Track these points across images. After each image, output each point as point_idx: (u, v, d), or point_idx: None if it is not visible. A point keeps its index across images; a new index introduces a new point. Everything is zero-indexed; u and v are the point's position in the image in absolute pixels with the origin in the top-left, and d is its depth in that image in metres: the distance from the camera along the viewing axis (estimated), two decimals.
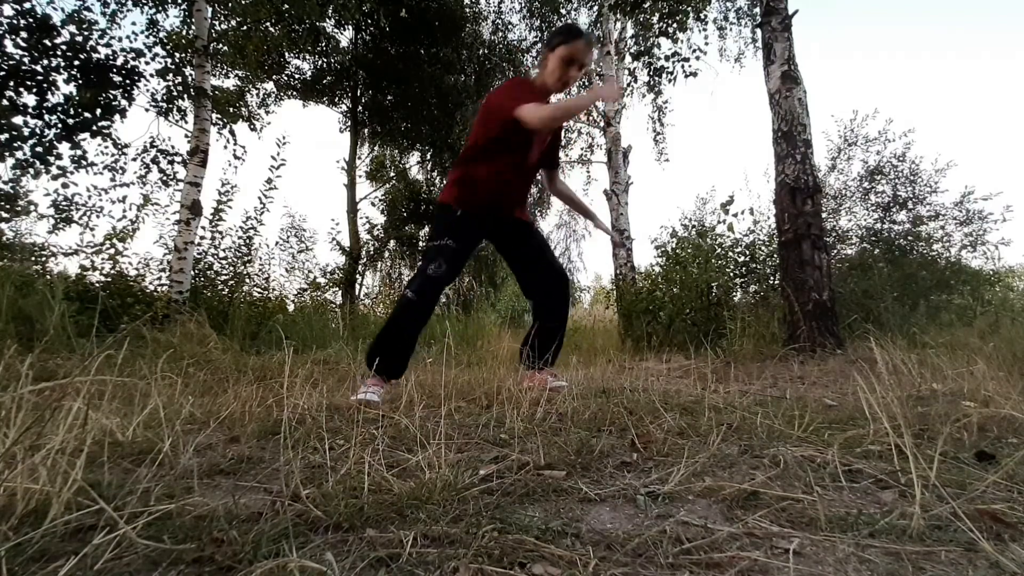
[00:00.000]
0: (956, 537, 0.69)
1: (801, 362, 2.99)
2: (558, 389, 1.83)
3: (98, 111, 4.70)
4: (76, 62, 4.52)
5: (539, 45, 9.15)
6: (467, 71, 8.90)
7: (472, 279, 11.08)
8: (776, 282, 4.61)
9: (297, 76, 8.75)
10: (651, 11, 6.46)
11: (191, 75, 5.34)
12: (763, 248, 5.38)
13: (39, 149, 4.48)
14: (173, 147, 5.83)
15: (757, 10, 4.47)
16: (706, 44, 10.36)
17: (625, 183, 7.53)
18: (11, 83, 4.29)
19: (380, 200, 10.58)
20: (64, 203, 5.08)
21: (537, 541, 0.68)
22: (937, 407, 1.48)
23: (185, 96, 5.44)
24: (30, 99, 4.41)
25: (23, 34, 4.28)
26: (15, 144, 4.37)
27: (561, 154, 2.38)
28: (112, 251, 4.50)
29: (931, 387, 1.81)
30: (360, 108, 9.07)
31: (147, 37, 5.70)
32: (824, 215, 4.76)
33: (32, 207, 4.73)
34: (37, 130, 4.48)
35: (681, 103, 35.76)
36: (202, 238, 5.19)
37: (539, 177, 2.25)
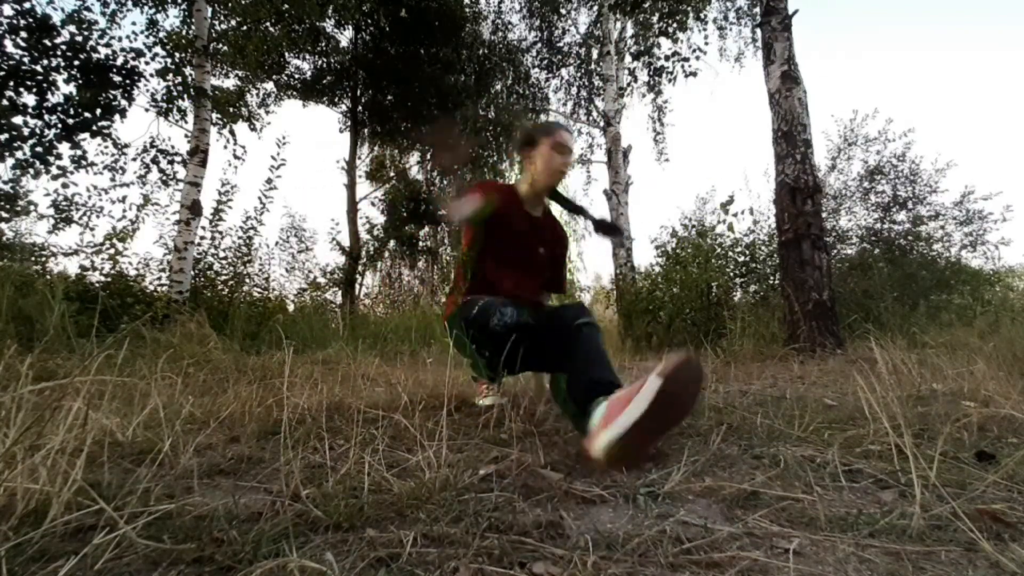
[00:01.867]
0: (956, 537, 0.69)
1: (801, 362, 2.99)
2: None
3: (98, 111, 4.69)
4: (76, 62, 4.52)
5: (539, 45, 9.14)
6: (467, 71, 8.88)
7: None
8: (776, 282, 4.61)
9: (297, 76, 8.73)
10: (651, 11, 6.46)
11: (191, 75, 5.34)
12: (763, 248, 5.38)
13: (39, 149, 4.47)
14: (173, 147, 5.83)
15: (757, 10, 4.47)
16: (706, 44, 10.35)
17: (625, 183, 7.54)
18: (11, 83, 4.28)
19: (380, 200, 10.57)
20: (64, 203, 5.07)
21: (537, 541, 0.68)
22: (937, 407, 1.47)
23: (185, 96, 5.44)
24: (30, 99, 4.41)
25: (23, 34, 4.28)
26: (15, 144, 4.37)
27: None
28: (112, 251, 4.50)
29: (931, 387, 1.80)
30: (360, 108, 9.05)
31: (147, 37, 5.71)
32: (824, 215, 4.76)
33: (32, 207, 4.73)
34: (37, 130, 4.47)
35: (681, 103, 35.65)
36: (202, 238, 5.19)
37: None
